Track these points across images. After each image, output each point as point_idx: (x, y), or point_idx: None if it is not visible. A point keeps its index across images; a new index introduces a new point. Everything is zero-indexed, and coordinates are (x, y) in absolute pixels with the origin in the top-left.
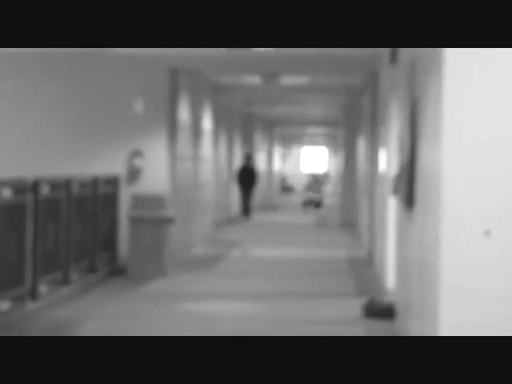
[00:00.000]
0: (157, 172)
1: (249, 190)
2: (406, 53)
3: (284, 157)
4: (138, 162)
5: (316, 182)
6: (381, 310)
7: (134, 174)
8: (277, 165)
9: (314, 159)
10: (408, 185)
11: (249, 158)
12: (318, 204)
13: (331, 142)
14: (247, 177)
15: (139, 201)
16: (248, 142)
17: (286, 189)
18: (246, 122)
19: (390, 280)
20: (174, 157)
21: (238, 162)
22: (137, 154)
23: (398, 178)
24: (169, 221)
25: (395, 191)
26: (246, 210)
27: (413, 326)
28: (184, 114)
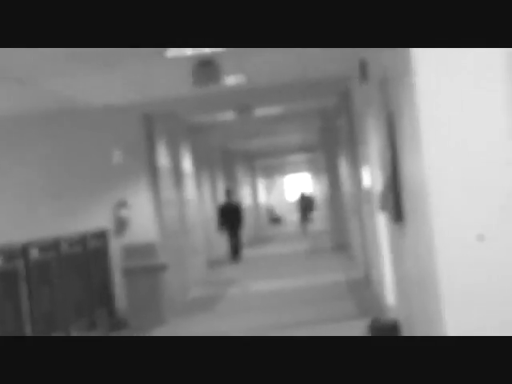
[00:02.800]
0: (144, 220)
1: (235, 229)
2: (375, 69)
3: (268, 188)
4: (124, 212)
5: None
6: (386, 328)
7: (121, 225)
8: (262, 197)
9: (298, 186)
10: (394, 199)
11: (229, 194)
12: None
13: (313, 167)
14: (231, 214)
15: (130, 251)
16: (230, 178)
17: (275, 220)
18: (226, 158)
19: (390, 297)
20: (158, 203)
21: (221, 199)
22: (122, 204)
23: (384, 193)
24: (162, 268)
25: (383, 207)
26: (235, 251)
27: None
28: (163, 158)
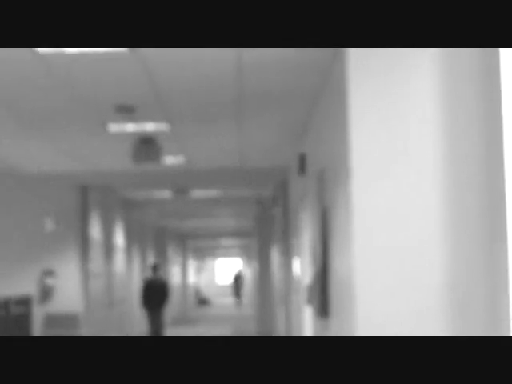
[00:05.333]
0: (69, 290)
1: (157, 309)
2: (313, 163)
3: (198, 269)
4: (49, 281)
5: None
6: None
7: (46, 294)
8: (191, 278)
9: (228, 271)
10: (321, 294)
11: (156, 269)
12: None
13: (245, 253)
14: (155, 292)
15: (52, 320)
16: (161, 256)
17: (202, 301)
18: (158, 235)
19: None
20: (86, 274)
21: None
22: (48, 273)
23: (312, 287)
24: None
25: (309, 301)
26: (155, 334)
27: None
28: (95, 230)
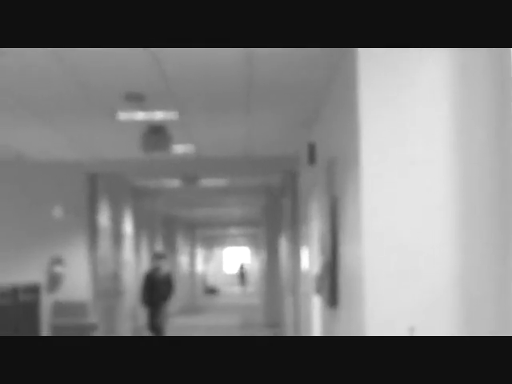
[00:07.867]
0: (78, 278)
1: (159, 306)
2: (323, 152)
3: (207, 258)
4: (58, 269)
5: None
6: None
7: (54, 282)
8: (200, 267)
9: (236, 260)
10: (331, 283)
11: (158, 259)
12: None
13: (253, 242)
14: (158, 287)
15: (61, 308)
16: (170, 245)
17: (210, 290)
18: (167, 224)
19: None
20: (94, 262)
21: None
22: (57, 261)
23: (321, 276)
24: (92, 328)
25: (318, 290)
26: (156, 332)
27: None
28: (104, 218)
